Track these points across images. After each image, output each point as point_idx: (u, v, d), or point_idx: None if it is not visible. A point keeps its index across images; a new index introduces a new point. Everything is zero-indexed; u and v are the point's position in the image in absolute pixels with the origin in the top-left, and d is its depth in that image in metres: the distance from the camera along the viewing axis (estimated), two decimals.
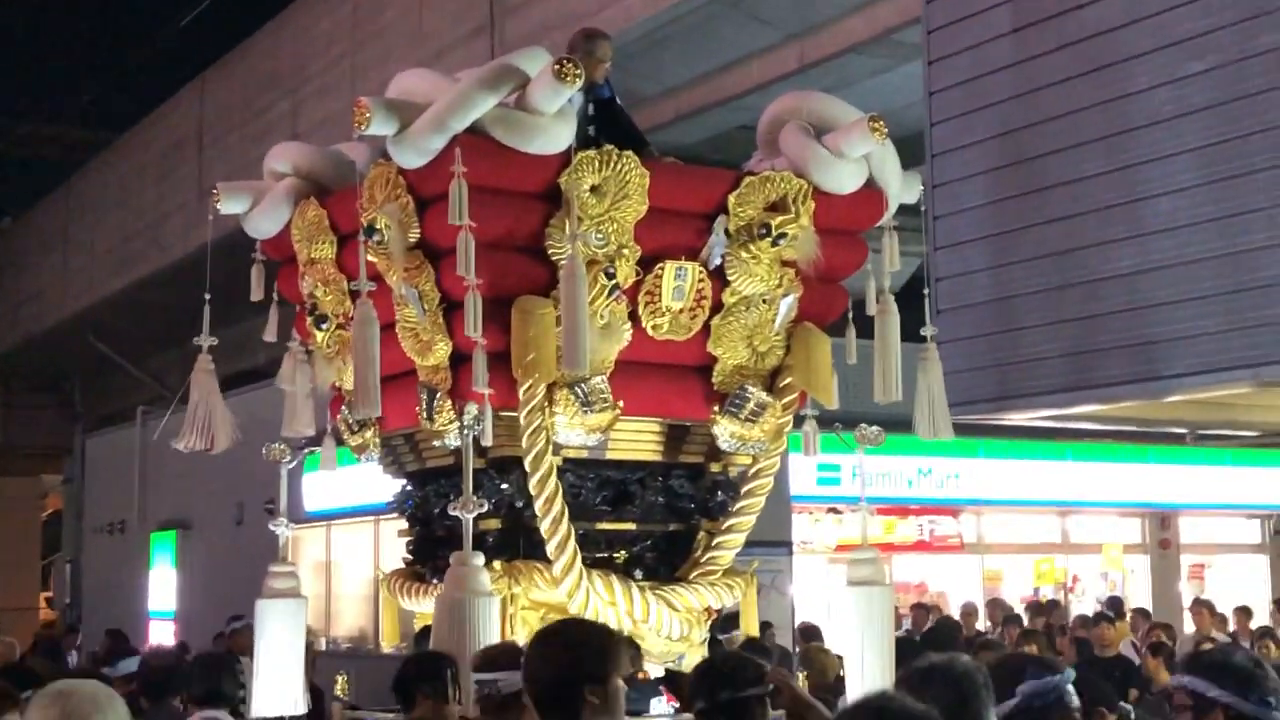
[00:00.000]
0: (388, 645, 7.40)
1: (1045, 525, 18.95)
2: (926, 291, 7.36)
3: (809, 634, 12.67)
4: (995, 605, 15.67)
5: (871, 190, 6.78)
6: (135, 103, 25.23)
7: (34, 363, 29.24)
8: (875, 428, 6.50)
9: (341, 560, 19.08)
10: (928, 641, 9.24)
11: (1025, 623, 14.15)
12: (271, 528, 6.72)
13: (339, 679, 7.11)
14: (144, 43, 25.79)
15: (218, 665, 6.48)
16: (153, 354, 25.94)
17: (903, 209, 7.20)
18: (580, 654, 3.84)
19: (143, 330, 24.36)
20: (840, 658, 9.12)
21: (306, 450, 7.16)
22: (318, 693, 7.50)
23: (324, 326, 6.72)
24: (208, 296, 6.88)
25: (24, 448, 32.82)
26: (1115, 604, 15.21)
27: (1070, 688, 3.95)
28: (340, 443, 7.01)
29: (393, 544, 7.37)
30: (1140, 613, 14.48)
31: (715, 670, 4.80)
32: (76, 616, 26.30)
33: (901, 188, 6.99)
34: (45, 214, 29.02)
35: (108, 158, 26.37)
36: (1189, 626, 14.97)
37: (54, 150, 31.49)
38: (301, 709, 6.35)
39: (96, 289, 24.82)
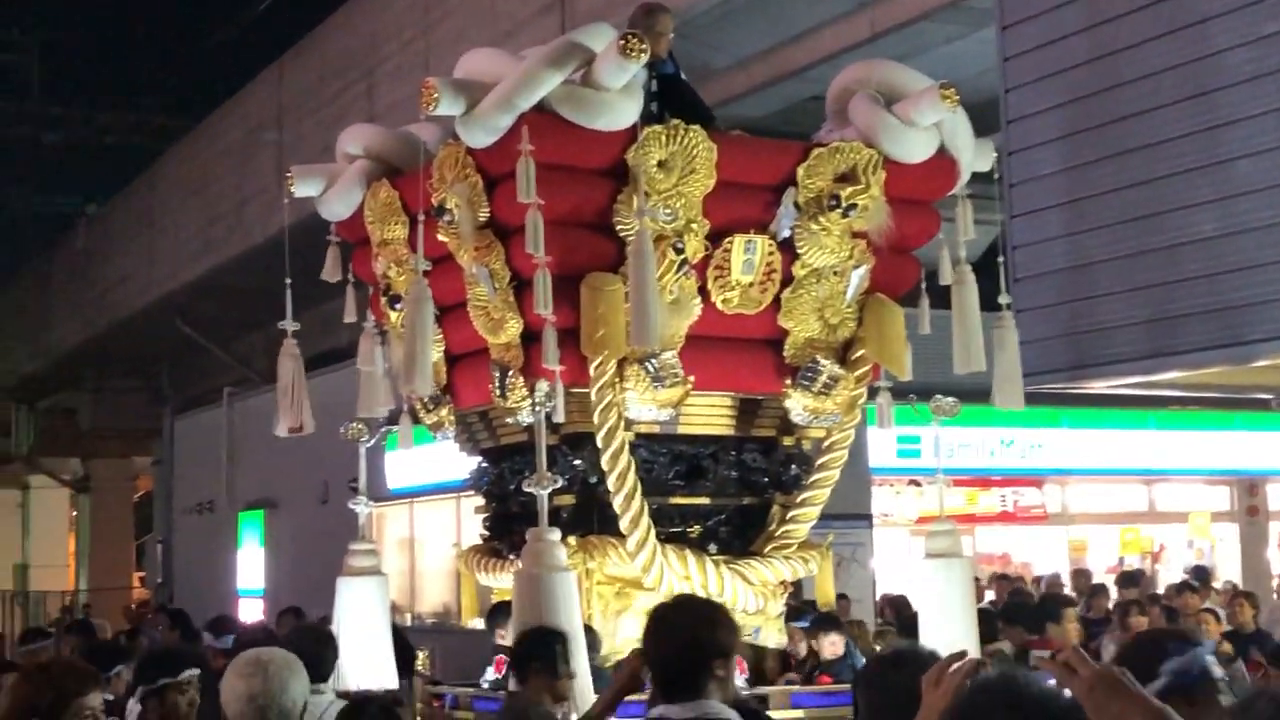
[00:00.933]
0: (466, 620, 7.48)
1: (1131, 494, 18.75)
2: (1001, 259, 7.29)
3: (897, 606, 12.63)
4: (1080, 576, 15.52)
5: (943, 159, 6.73)
6: (215, 88, 25.54)
7: (122, 347, 29.67)
8: (951, 399, 6.47)
9: (424, 537, 19.26)
10: (1004, 614, 9.17)
11: (1117, 594, 13.99)
12: (351, 506, 6.82)
13: (420, 654, 7.20)
14: (222, 29, 26.06)
15: (265, 641, 6.57)
16: (238, 336, 26.26)
17: (977, 177, 7.14)
18: (706, 629, 3.88)
19: (227, 313, 24.66)
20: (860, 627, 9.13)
21: (385, 429, 7.23)
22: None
23: (398, 306, 6.77)
24: (288, 280, 6.96)
25: (114, 430, 33.37)
26: (1200, 573, 15.03)
27: (1211, 658, 3.87)
28: (416, 421, 7.07)
29: (474, 520, 7.44)
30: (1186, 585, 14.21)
31: None
32: (168, 595, 26.73)
33: (974, 155, 6.93)
34: (129, 200, 29.41)
35: (189, 143, 26.67)
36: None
37: (136, 137, 31.92)
38: (394, 683, 6.44)
39: (181, 273, 25.13)
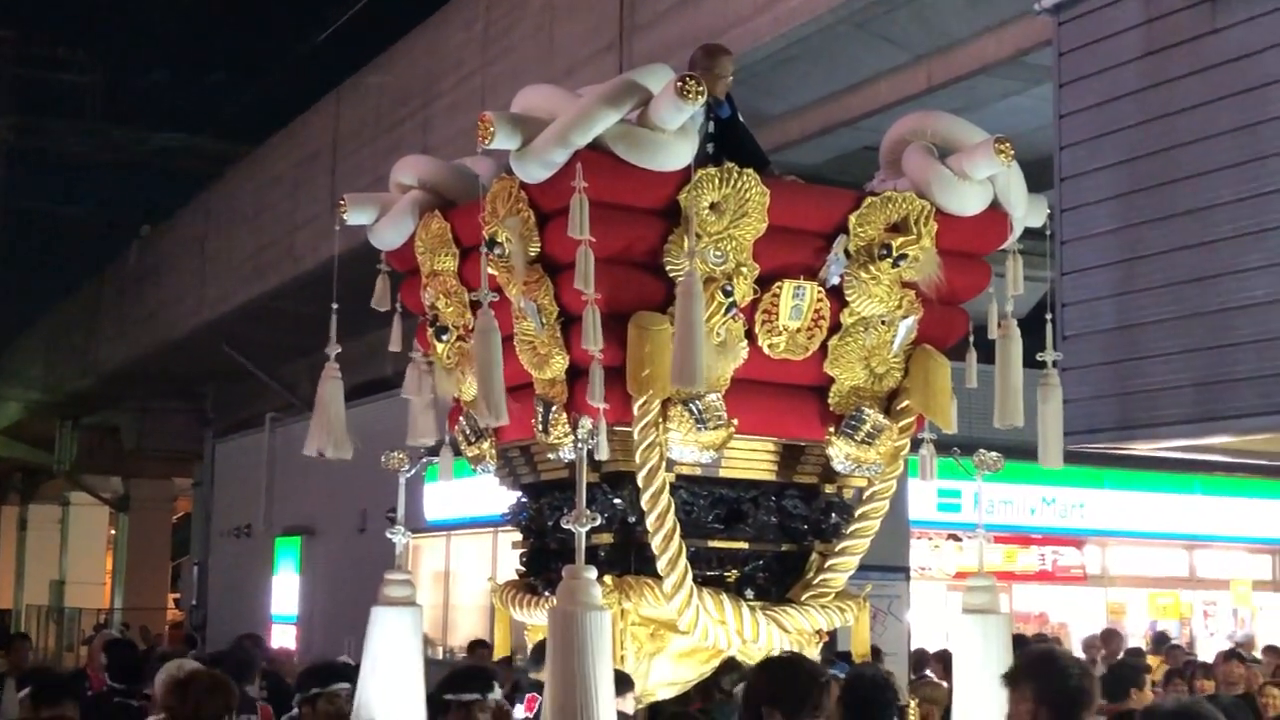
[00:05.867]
0: (499, 656, 7.47)
1: (1171, 559, 18.59)
2: (1049, 316, 7.25)
3: (921, 661, 12.52)
4: (1111, 637, 15.32)
5: (996, 213, 6.71)
6: (271, 116, 25.78)
7: (168, 368, 29.88)
8: (995, 454, 6.42)
9: (460, 570, 19.28)
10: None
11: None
12: (389, 536, 6.82)
13: None
14: (280, 58, 26.34)
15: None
16: (283, 362, 26.39)
17: (1029, 233, 7.12)
18: (761, 677, 4.83)
19: (274, 339, 24.80)
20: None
21: (426, 460, 7.24)
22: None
23: (445, 338, 6.79)
24: (335, 306, 6.99)
25: (157, 451, 33.61)
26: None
27: None
28: (458, 453, 7.08)
29: (510, 555, 7.44)
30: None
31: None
32: (202, 618, 26.82)
33: (1027, 211, 6.91)
34: (182, 224, 29.67)
35: (244, 170, 26.91)
36: None
37: (192, 162, 32.27)
38: (422, 718, 6.40)
39: (230, 298, 25.30)
